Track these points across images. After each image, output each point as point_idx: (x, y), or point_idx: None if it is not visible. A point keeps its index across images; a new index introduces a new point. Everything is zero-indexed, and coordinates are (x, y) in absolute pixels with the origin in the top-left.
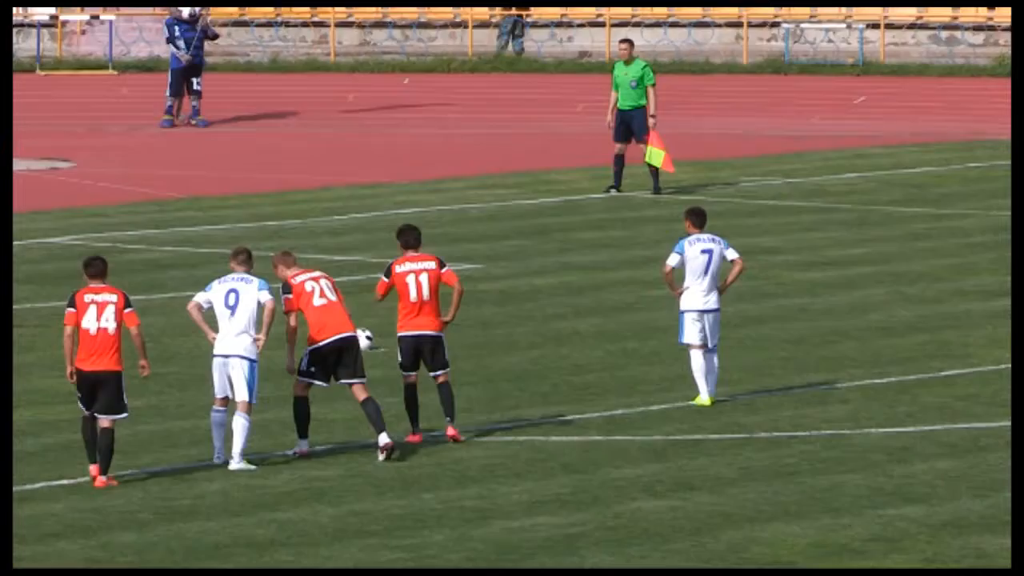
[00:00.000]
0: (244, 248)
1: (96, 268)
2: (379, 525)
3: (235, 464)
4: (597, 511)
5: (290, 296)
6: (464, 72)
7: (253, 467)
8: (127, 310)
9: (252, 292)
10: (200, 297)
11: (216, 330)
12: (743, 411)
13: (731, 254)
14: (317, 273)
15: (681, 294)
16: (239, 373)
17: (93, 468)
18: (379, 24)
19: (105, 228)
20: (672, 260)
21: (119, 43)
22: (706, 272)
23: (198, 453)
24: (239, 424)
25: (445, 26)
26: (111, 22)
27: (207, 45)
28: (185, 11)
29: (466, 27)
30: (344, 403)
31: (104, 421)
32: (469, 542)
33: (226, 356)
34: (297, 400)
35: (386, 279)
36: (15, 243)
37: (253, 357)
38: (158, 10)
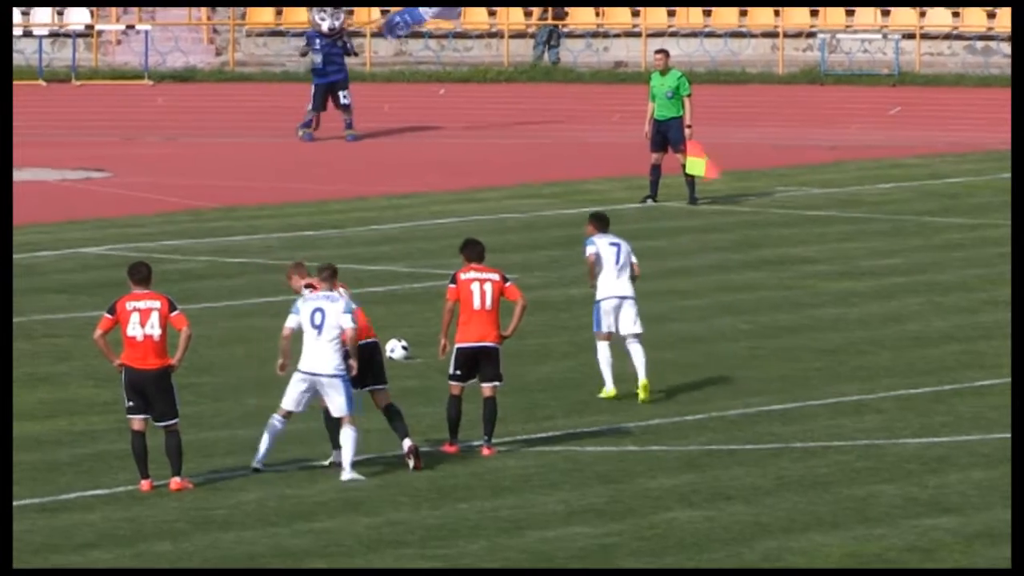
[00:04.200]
0: (329, 265)
1: (140, 274)
2: (414, 535)
3: (347, 475)
4: (632, 521)
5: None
6: (500, 82)
7: (362, 478)
8: (173, 313)
9: (337, 312)
10: (291, 322)
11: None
12: (778, 421)
13: (633, 258)
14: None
15: (595, 285)
16: (335, 392)
17: (145, 483)
18: (415, 34)
19: (140, 238)
20: (591, 249)
21: (155, 53)
22: (617, 261)
23: (234, 463)
24: (347, 436)
25: (481, 36)
26: (147, 32)
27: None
28: (325, 24)
29: (502, 37)
30: (379, 413)
31: (168, 426)
32: (504, 552)
33: (314, 375)
34: (326, 410)
35: (453, 285)
36: (49, 253)
37: (344, 374)
38: (194, 20)
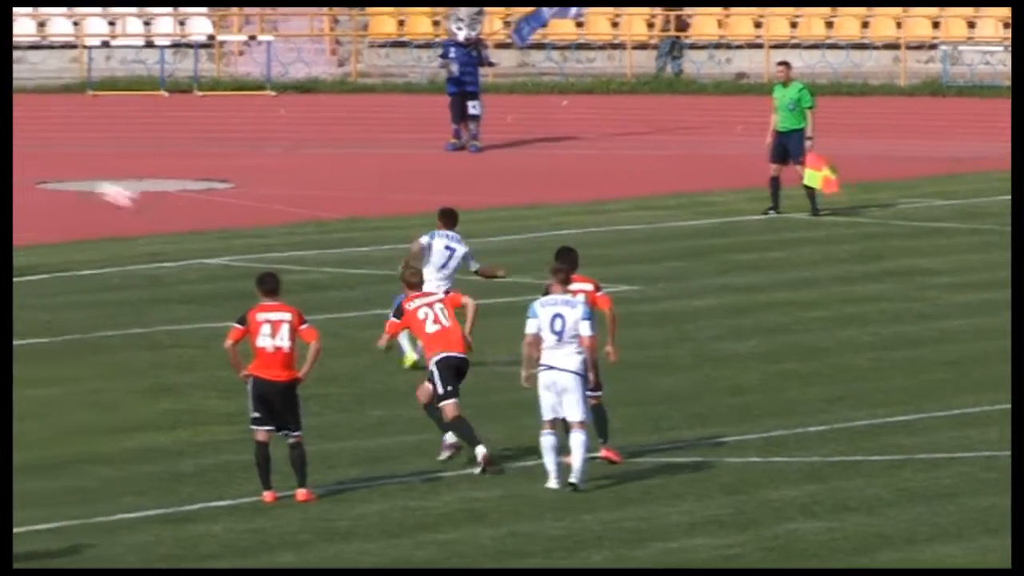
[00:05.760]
0: (563, 267)
1: (269, 285)
2: (538, 546)
3: (576, 478)
4: (755, 532)
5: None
6: (623, 93)
7: (584, 486)
8: (304, 326)
9: (576, 316)
10: (531, 327)
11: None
12: (902, 432)
13: (473, 265)
14: (432, 298)
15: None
16: (573, 394)
17: (268, 495)
18: (537, 45)
19: (263, 249)
20: (425, 239)
21: (277, 64)
22: (444, 266)
23: (357, 474)
24: (579, 442)
25: (604, 47)
26: (269, 43)
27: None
28: (461, 34)
29: (625, 48)
30: (495, 424)
31: (292, 437)
32: (628, 563)
33: (556, 369)
34: (439, 420)
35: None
36: (172, 264)
37: (584, 375)
38: (316, 30)
